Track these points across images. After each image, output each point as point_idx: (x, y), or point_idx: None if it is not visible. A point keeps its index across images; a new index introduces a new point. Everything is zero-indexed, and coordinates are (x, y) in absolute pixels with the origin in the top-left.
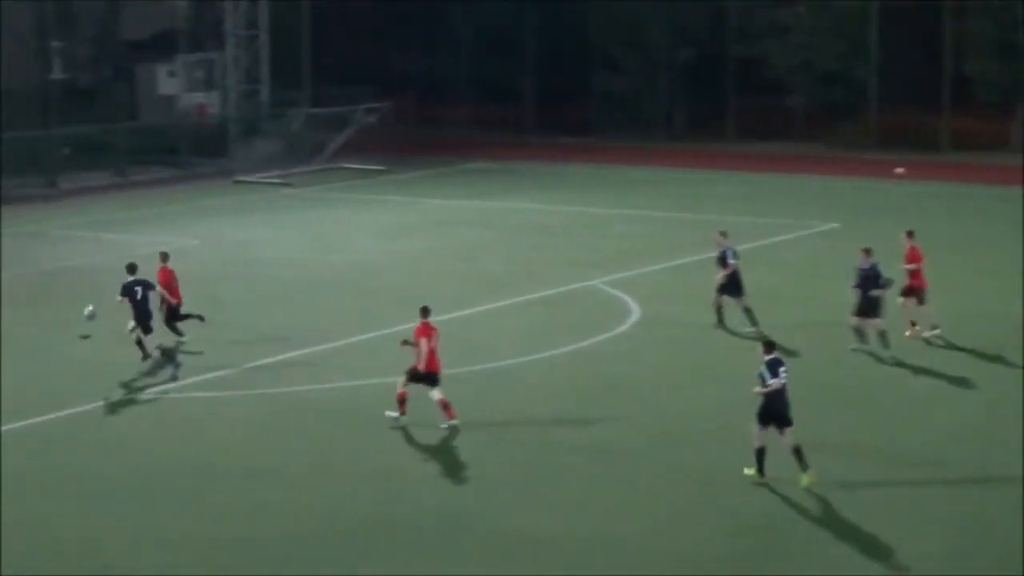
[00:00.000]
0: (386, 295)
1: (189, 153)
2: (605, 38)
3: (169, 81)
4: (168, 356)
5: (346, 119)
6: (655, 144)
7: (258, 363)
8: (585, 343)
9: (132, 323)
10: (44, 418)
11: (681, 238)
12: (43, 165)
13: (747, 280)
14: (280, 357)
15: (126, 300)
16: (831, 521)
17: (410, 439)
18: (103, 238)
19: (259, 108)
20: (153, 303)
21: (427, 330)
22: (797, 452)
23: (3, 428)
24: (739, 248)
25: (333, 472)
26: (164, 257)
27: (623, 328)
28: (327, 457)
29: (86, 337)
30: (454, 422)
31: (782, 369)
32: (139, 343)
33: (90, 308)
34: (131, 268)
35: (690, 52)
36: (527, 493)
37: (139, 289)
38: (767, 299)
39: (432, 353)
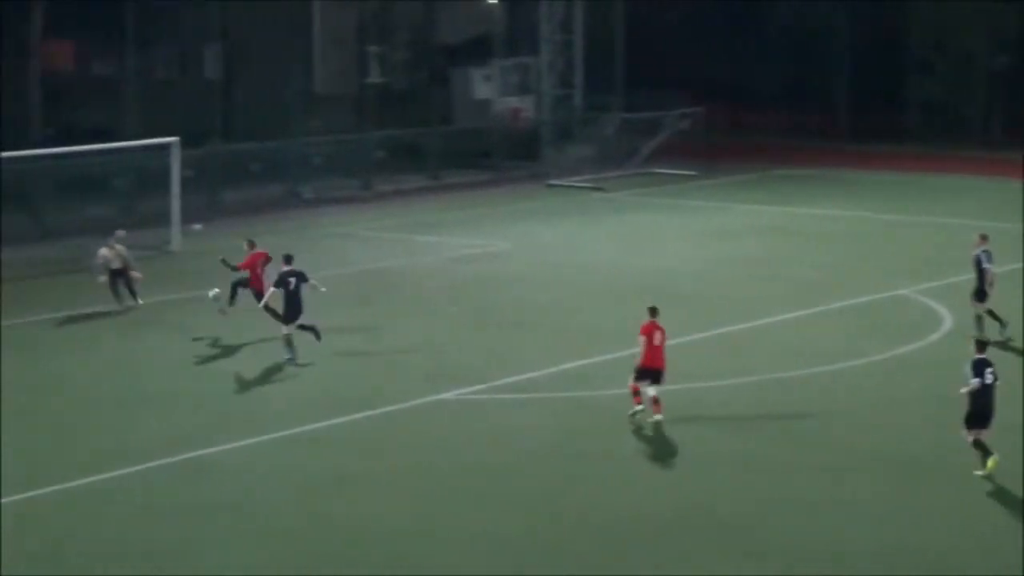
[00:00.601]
0: (696, 300)
1: (502, 157)
2: (920, 43)
3: (484, 85)
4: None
5: (658, 124)
6: (970, 151)
7: (567, 366)
8: (896, 352)
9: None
10: (357, 416)
11: (996, 247)
12: (358, 167)
13: None
14: (589, 360)
15: (279, 291)
16: None
17: (699, 440)
18: (415, 240)
19: (572, 112)
20: (305, 294)
21: (650, 328)
22: (977, 443)
23: (320, 424)
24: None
25: (629, 475)
26: (251, 244)
27: (934, 338)
28: (630, 460)
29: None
30: (659, 417)
31: (988, 370)
32: (310, 328)
33: (216, 291)
34: (287, 259)
35: (1006, 58)
36: (820, 500)
37: (292, 280)
38: None
39: (655, 350)
